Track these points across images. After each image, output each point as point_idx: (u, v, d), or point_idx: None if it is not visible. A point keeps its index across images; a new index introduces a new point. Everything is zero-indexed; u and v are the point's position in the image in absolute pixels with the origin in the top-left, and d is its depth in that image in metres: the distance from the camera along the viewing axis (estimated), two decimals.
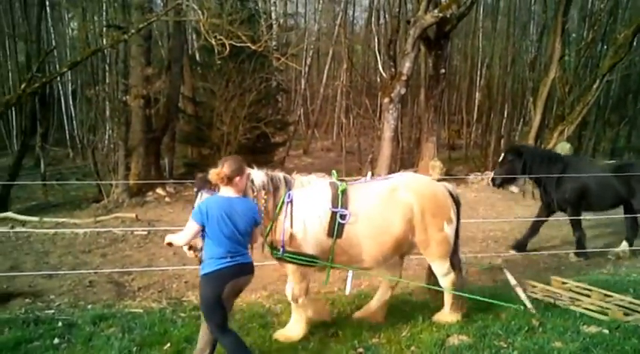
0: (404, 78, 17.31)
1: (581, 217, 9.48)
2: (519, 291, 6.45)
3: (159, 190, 16.40)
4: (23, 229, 12.23)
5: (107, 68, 20.30)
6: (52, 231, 11.80)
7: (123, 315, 6.25)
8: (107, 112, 20.88)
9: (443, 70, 18.83)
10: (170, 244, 4.60)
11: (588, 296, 6.48)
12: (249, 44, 11.35)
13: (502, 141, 25.48)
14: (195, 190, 4.99)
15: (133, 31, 12.67)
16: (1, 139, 25.47)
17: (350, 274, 7.06)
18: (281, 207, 5.28)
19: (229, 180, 4.52)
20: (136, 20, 13.91)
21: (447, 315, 5.94)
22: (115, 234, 11.64)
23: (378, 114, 25.16)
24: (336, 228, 5.32)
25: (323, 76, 30.41)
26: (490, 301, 5.78)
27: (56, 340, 5.57)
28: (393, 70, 18.49)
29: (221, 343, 4.63)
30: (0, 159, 23.63)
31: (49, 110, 24.35)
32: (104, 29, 16.59)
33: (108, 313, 6.24)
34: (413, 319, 6.03)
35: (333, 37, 29.15)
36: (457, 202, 5.96)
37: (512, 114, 27.02)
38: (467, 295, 5.84)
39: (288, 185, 5.41)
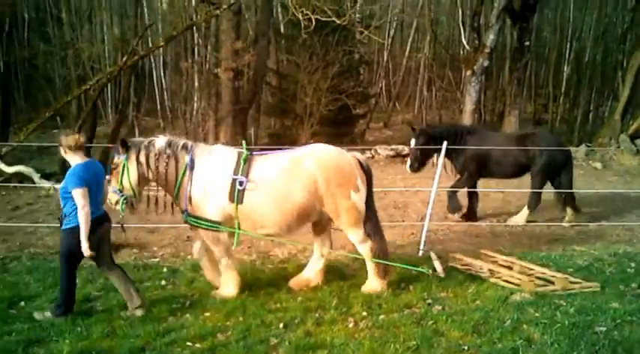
0: (487, 50, 17.30)
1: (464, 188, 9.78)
2: (436, 263, 6.67)
3: None
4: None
5: (199, 42, 21.33)
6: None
7: None
8: (196, 84, 21.98)
9: (527, 43, 18.63)
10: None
11: (511, 268, 6.68)
12: (334, 19, 11.81)
13: (590, 116, 24.77)
14: (119, 153, 5.77)
15: (224, 6, 13.39)
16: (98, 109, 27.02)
17: (424, 233, 7.57)
18: (184, 172, 5.74)
19: (80, 147, 5.31)
20: None
21: (373, 283, 6.09)
22: None
23: (461, 87, 25.06)
24: (236, 194, 5.69)
25: (406, 48, 30.34)
26: (402, 265, 6.21)
27: (163, 282, 6.46)
28: (476, 42, 18.46)
29: (61, 282, 5.44)
30: (97, 127, 25.28)
31: (142, 82, 25.71)
32: (198, 4, 17.43)
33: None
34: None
35: (417, 8, 28.98)
36: (367, 172, 6.11)
37: (602, 88, 26.07)
38: (382, 261, 6.04)
39: (189, 151, 5.79)
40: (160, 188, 6.13)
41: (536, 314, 5.40)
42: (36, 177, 12.71)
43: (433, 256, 6.98)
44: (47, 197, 11.66)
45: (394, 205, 11.15)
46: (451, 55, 27.77)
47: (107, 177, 5.78)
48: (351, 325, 5.26)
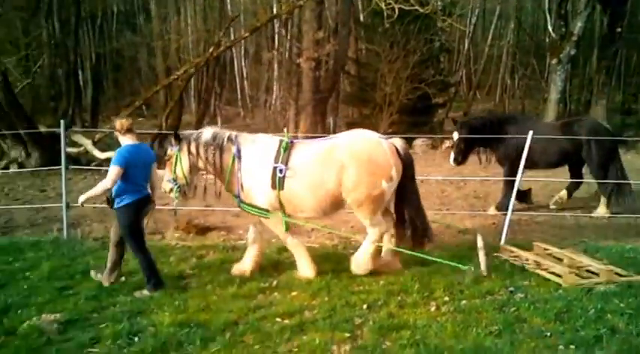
0: (574, 38, 16.80)
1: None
2: (480, 254, 6.42)
3: None
4: (211, 176, 13.97)
5: (280, 32, 21.79)
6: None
7: None
8: (276, 74, 22.46)
9: (619, 29, 17.86)
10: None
11: (561, 260, 6.62)
12: (417, 8, 11.82)
13: None
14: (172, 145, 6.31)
15: None
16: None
17: (506, 222, 7.56)
18: (233, 162, 6.15)
19: (129, 130, 5.80)
20: None
21: (362, 262, 6.22)
22: None
23: (545, 75, 24.35)
24: (277, 181, 6.02)
25: (488, 36, 29.73)
26: (442, 260, 6.18)
27: None
28: (563, 29, 17.91)
29: (138, 259, 5.93)
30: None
31: (223, 71, 26.41)
32: None
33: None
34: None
35: None
36: (405, 161, 6.19)
37: None
38: (415, 253, 6.26)
39: (235, 142, 6.21)
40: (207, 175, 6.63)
41: (621, 304, 5.35)
42: None
43: (480, 243, 6.62)
44: None
45: (474, 194, 11.15)
46: (536, 43, 27.01)
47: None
48: (433, 308, 5.40)
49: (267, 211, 6.19)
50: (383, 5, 11.68)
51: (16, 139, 14.75)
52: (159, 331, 4.91)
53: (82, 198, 5.75)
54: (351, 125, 20.43)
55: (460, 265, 6.10)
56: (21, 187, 12.65)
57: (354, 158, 5.96)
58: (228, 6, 25.75)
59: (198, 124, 20.62)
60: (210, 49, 15.97)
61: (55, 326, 5.03)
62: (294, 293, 5.84)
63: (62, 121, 8.35)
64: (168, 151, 6.36)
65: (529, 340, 4.68)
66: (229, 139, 6.27)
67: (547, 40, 23.91)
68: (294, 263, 6.55)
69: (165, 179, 6.38)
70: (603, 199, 9.40)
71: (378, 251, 6.39)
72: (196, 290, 5.98)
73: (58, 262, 6.96)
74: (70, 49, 19.73)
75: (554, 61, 17.39)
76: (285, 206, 6.19)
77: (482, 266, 6.29)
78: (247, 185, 6.18)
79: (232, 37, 19.91)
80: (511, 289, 5.88)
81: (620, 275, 6.19)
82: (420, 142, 17.30)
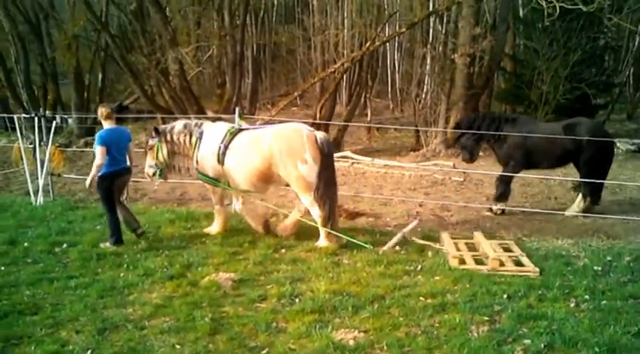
0: None
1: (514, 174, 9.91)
2: (398, 235, 7.43)
3: None
4: (360, 166, 14.72)
5: (435, 26, 21.87)
6: (383, 170, 13.96)
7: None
8: (428, 68, 22.54)
9: None
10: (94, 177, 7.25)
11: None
12: (581, 7, 11.52)
13: None
14: (152, 137, 8.01)
15: None
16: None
17: None
18: (197, 142, 7.73)
19: (108, 117, 7.36)
20: None
21: (322, 241, 7.34)
22: (435, 178, 13.29)
23: None
24: (219, 157, 7.51)
25: None
26: (346, 238, 7.26)
27: (397, 247, 7.29)
28: None
29: (107, 217, 7.39)
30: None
31: (376, 64, 26.86)
32: None
33: (433, 237, 7.78)
34: None
35: None
36: (322, 150, 7.23)
37: None
38: (331, 231, 7.29)
39: (200, 128, 7.82)
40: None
41: None
42: None
43: (407, 228, 7.71)
44: None
45: (630, 201, 10.75)
46: None
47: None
48: (572, 304, 5.54)
49: (217, 180, 7.77)
50: (544, 4, 11.50)
51: None
52: (316, 296, 5.61)
53: (87, 182, 7.23)
54: None
55: (362, 243, 7.15)
56: None
57: (276, 142, 7.27)
58: (385, 0, 26.21)
59: (349, 116, 21.42)
60: (367, 44, 16.59)
61: (230, 283, 5.97)
62: (437, 278, 6.27)
63: (237, 109, 9.38)
64: (150, 142, 8.01)
65: None
66: (196, 125, 7.93)
67: None
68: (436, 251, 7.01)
69: (147, 165, 8.05)
70: (580, 198, 9.67)
71: (297, 222, 7.81)
72: (348, 266, 6.63)
73: (229, 231, 7.96)
74: (237, 41, 21.26)
75: None
76: (229, 180, 7.67)
77: (386, 245, 7.24)
78: (200, 158, 7.74)
79: (388, 32, 20.40)
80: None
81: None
82: None
